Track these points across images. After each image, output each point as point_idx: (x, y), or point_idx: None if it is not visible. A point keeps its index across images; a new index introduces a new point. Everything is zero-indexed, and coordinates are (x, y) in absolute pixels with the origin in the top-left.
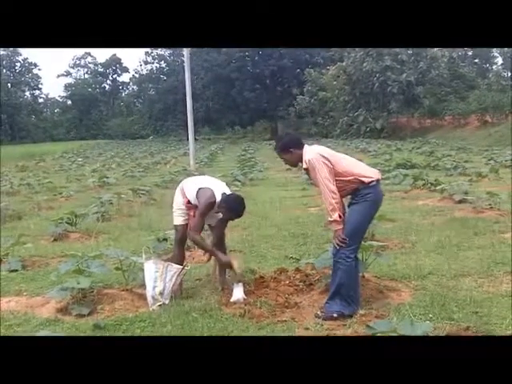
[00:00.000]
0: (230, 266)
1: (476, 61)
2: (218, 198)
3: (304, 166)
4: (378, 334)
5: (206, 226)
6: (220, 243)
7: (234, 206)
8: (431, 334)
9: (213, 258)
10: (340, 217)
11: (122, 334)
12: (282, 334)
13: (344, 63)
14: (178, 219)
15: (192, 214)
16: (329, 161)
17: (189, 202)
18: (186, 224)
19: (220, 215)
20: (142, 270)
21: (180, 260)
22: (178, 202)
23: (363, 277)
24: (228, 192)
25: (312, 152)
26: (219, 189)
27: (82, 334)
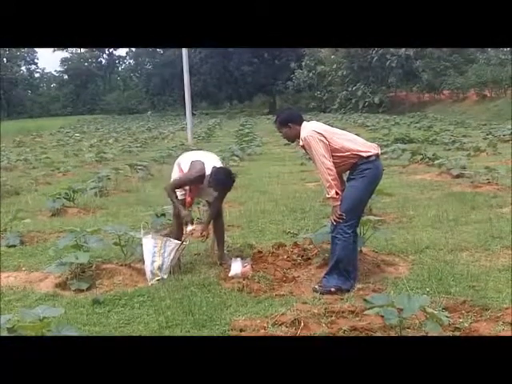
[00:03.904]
0: (189, 221)
1: None
2: (209, 171)
3: (300, 143)
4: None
5: (204, 202)
6: (217, 218)
7: (220, 179)
8: (427, 309)
9: (211, 233)
10: (337, 193)
11: (121, 309)
12: (280, 309)
13: None
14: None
15: (188, 189)
16: (324, 137)
17: None
18: (184, 199)
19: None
20: (141, 245)
21: (178, 235)
22: (175, 178)
23: (360, 251)
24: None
25: (308, 129)
26: (211, 162)
27: (80, 309)
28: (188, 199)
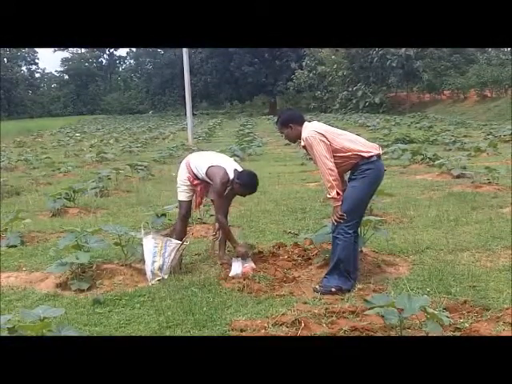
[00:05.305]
0: (246, 256)
1: None
2: (231, 175)
3: (302, 143)
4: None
5: (209, 202)
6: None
7: (248, 182)
8: (428, 310)
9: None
10: (338, 194)
11: (122, 309)
12: (281, 309)
13: None
14: (183, 195)
15: (199, 189)
16: (326, 137)
17: (195, 177)
18: (190, 200)
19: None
20: (141, 245)
21: (181, 236)
22: (183, 178)
23: (361, 251)
24: (239, 168)
25: (309, 129)
26: (230, 166)
27: (81, 309)
28: (198, 199)
